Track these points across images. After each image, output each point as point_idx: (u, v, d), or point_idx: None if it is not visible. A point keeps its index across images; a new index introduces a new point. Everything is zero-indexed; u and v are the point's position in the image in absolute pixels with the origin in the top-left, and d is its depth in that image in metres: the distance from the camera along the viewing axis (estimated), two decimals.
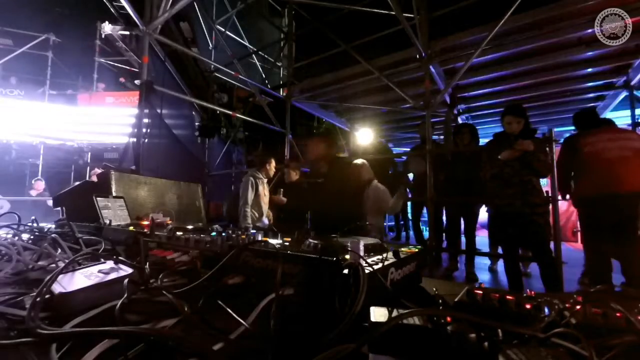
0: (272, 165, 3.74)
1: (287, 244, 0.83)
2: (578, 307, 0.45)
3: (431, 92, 4.10)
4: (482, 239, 4.50)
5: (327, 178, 3.92)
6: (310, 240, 0.77)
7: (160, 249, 0.91)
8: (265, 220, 3.61)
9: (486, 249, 4.59)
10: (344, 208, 2.95)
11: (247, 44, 6.70)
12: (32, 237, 1.09)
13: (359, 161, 3.31)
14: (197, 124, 6.61)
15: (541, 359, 0.33)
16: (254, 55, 6.66)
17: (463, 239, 4.26)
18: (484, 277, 4.05)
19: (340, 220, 2.01)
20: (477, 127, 4.14)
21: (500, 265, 4.49)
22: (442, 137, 6.87)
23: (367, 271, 0.54)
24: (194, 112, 6.63)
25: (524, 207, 2.50)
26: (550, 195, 2.70)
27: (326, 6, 4.93)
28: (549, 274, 2.49)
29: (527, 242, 2.79)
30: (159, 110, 4.43)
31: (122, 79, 7.95)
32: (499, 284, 3.79)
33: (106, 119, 7.56)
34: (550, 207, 2.67)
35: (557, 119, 6.05)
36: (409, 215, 5.59)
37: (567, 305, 0.46)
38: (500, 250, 3.79)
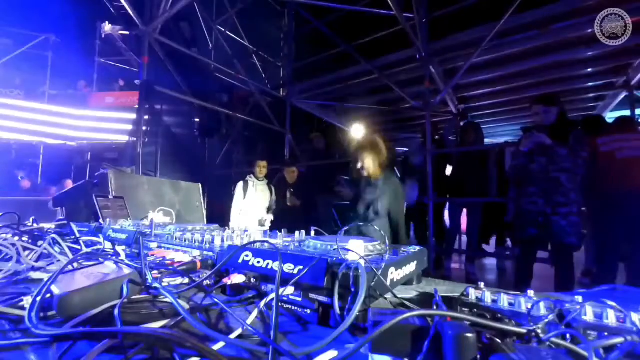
0: (259, 166, 3.77)
1: (287, 243, 0.83)
2: (578, 307, 0.45)
3: (431, 92, 4.10)
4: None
5: None
6: (311, 240, 0.77)
7: (160, 249, 0.91)
8: (238, 223, 3.63)
9: (491, 249, 4.61)
10: None
11: (247, 44, 6.69)
12: (31, 237, 1.09)
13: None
14: (197, 123, 6.60)
15: (541, 359, 0.33)
16: (254, 55, 6.65)
17: (464, 238, 4.27)
18: (484, 277, 4.05)
19: None
20: None
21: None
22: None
23: (367, 271, 0.54)
24: (194, 112, 6.62)
25: (546, 207, 2.35)
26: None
27: (326, 6, 4.93)
28: (563, 280, 2.36)
29: (547, 244, 2.65)
30: (159, 110, 4.43)
31: (82, 83, 7.88)
32: (499, 284, 3.80)
33: (106, 119, 7.56)
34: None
35: None
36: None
37: (567, 305, 0.46)
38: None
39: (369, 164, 2.16)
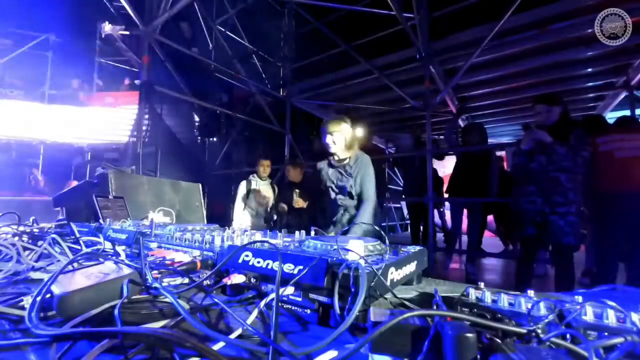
0: (263, 166, 3.78)
1: (287, 243, 0.83)
2: (578, 307, 0.45)
3: (431, 92, 4.11)
4: (486, 239, 4.51)
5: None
6: (311, 240, 0.77)
7: (160, 249, 0.91)
8: (241, 222, 3.64)
9: (491, 249, 4.61)
10: None
11: (247, 44, 6.70)
12: (31, 237, 1.09)
13: None
14: (197, 124, 6.60)
15: (541, 359, 0.33)
16: (254, 55, 6.66)
17: (464, 238, 4.27)
18: (484, 277, 4.05)
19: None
20: None
21: (500, 265, 4.49)
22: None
23: (367, 271, 0.54)
24: (193, 112, 6.62)
25: (544, 206, 2.35)
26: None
27: (326, 6, 4.93)
28: (563, 280, 2.35)
29: (545, 243, 2.63)
30: (159, 110, 4.43)
31: (76, 82, 7.83)
32: (499, 284, 3.80)
33: (106, 119, 7.56)
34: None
35: None
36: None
37: (567, 305, 0.46)
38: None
39: (337, 139, 2.21)
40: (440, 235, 5.58)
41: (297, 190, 3.55)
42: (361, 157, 2.28)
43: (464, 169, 4.07)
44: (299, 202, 3.45)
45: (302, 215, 3.54)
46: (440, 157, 4.79)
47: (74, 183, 5.83)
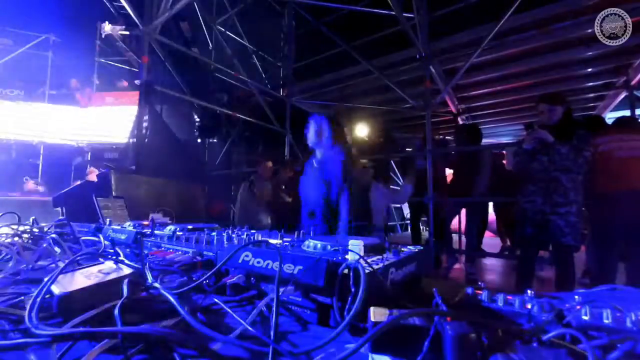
0: (265, 167, 3.80)
1: (287, 243, 0.83)
2: (578, 307, 0.45)
3: (431, 92, 4.10)
4: (486, 239, 4.51)
5: None
6: (310, 240, 0.77)
7: (160, 249, 0.91)
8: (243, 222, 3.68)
9: (491, 249, 4.60)
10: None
11: (247, 44, 6.70)
12: (32, 237, 1.09)
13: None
14: (197, 124, 6.60)
15: (541, 359, 0.33)
16: (254, 55, 6.66)
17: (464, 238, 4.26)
18: (484, 277, 4.05)
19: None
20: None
21: (500, 265, 4.49)
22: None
23: (367, 271, 0.54)
24: (194, 112, 6.62)
25: (544, 206, 2.34)
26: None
27: (326, 6, 4.93)
28: (563, 280, 2.35)
29: (544, 243, 2.63)
30: (159, 110, 4.43)
31: (74, 81, 7.80)
32: (499, 284, 3.80)
33: (106, 119, 7.56)
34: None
35: None
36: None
37: (567, 305, 0.46)
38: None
39: (325, 129, 2.13)
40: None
41: (283, 187, 3.61)
42: (334, 148, 2.09)
43: (460, 170, 4.08)
44: (284, 198, 3.51)
45: (287, 213, 3.57)
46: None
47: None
